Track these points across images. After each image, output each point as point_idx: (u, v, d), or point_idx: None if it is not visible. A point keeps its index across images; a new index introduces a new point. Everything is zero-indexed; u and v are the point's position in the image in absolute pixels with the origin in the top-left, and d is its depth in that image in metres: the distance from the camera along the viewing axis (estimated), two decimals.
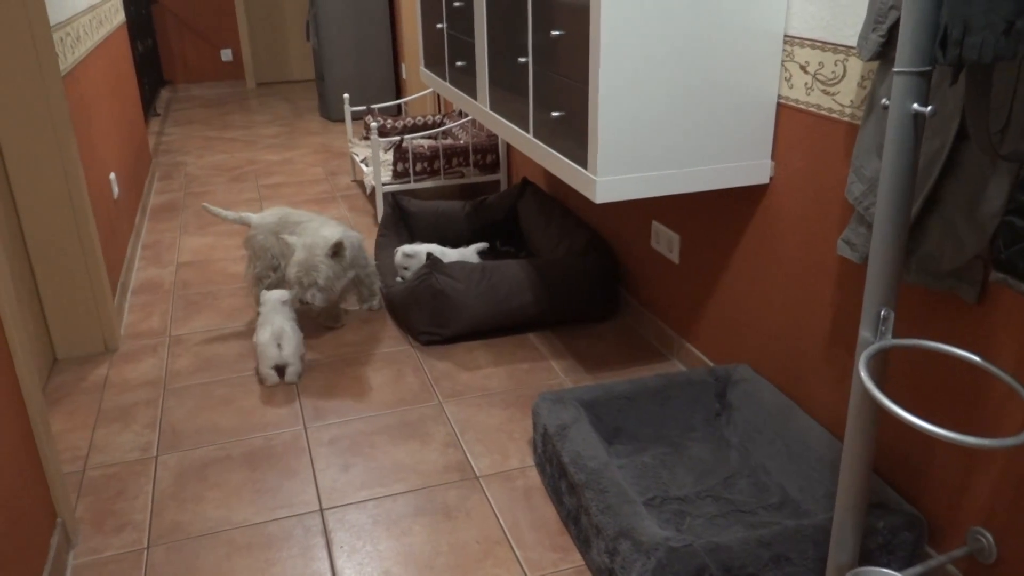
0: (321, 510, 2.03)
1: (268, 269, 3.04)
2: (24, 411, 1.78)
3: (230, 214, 3.14)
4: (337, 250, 2.73)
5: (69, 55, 2.91)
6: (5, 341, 1.73)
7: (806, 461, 1.91)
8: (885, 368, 1.35)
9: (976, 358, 1.30)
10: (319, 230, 2.83)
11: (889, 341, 1.28)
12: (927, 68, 1.13)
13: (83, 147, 2.90)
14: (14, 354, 1.76)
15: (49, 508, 1.85)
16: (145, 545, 1.92)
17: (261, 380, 2.61)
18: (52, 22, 2.67)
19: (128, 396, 2.56)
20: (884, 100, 1.20)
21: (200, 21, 7.50)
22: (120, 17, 4.48)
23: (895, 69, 1.15)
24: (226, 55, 7.68)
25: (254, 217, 3.09)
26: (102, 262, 2.79)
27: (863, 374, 1.21)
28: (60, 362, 2.79)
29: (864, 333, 1.30)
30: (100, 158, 3.23)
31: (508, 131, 2.52)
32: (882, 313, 1.27)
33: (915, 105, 1.15)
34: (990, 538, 1.56)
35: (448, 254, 3.10)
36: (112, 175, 3.43)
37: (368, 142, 4.66)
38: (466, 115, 4.40)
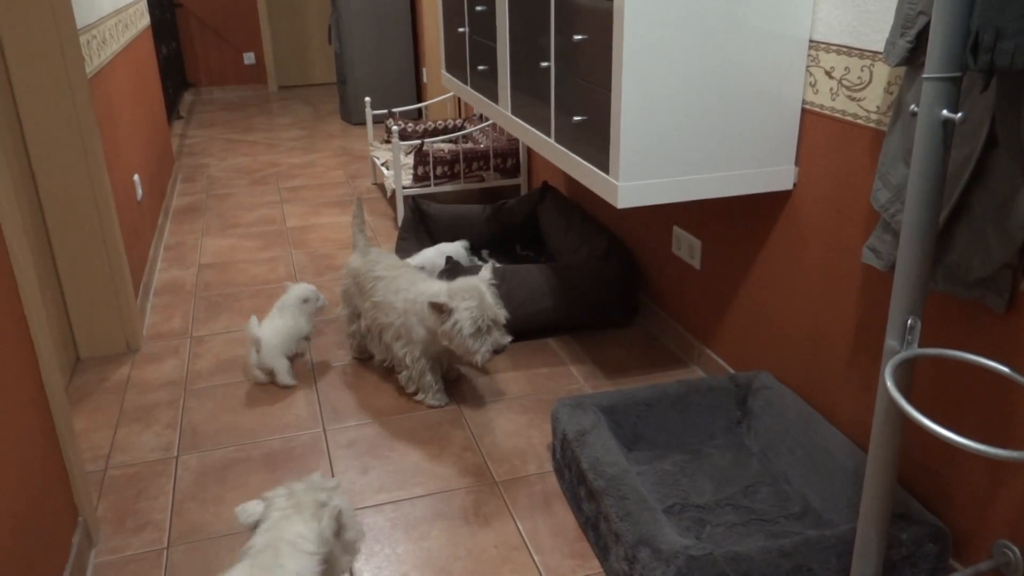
0: None
1: (353, 315, 2.67)
2: (48, 410, 1.80)
3: (359, 236, 2.68)
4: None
5: (95, 58, 2.94)
6: (30, 340, 1.75)
7: (828, 470, 1.89)
8: (911, 378, 1.34)
9: (1004, 368, 1.27)
10: (419, 285, 2.43)
11: (916, 351, 1.26)
12: (957, 74, 1.12)
13: (108, 149, 2.93)
14: (39, 353, 1.77)
15: (71, 507, 1.86)
16: (165, 545, 1.93)
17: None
18: (79, 25, 2.70)
19: (149, 396, 2.58)
20: (913, 106, 1.19)
21: (223, 25, 7.56)
22: (145, 20, 4.53)
23: (925, 75, 1.14)
24: (249, 58, 7.74)
25: (353, 258, 2.67)
26: (125, 263, 2.81)
27: (889, 384, 1.20)
28: (83, 361, 2.81)
29: (890, 342, 1.28)
30: (124, 160, 3.26)
31: (529, 135, 2.51)
32: (909, 322, 1.26)
33: (945, 111, 1.14)
34: (1017, 552, 1.53)
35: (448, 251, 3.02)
36: (136, 177, 3.46)
37: (389, 145, 4.67)
38: (486, 119, 4.40)
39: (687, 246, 2.62)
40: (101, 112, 2.90)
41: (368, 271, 2.54)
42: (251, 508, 1.51)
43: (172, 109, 6.29)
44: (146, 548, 1.93)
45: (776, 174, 2.06)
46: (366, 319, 2.56)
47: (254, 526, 1.49)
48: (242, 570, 1.39)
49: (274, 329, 2.60)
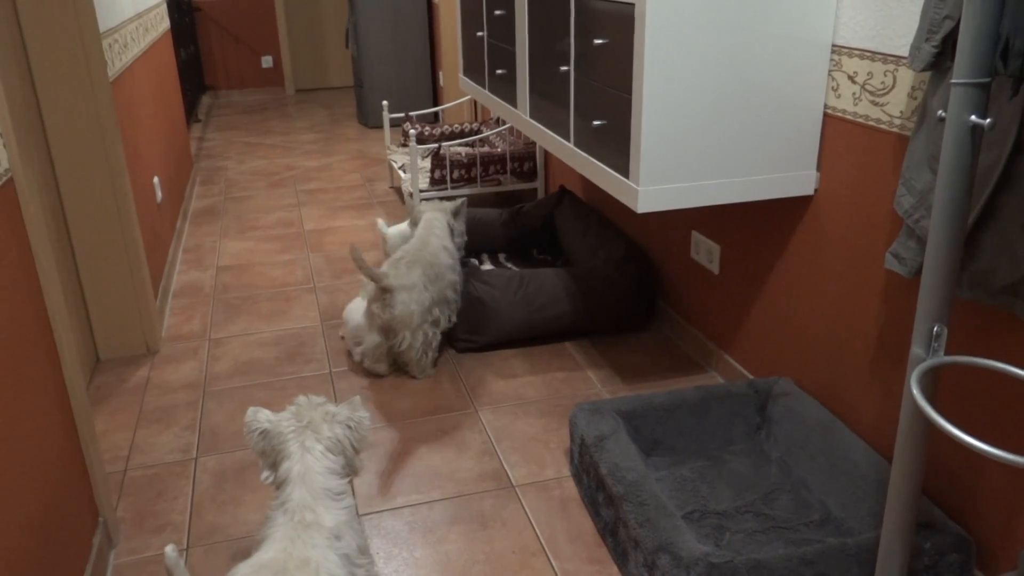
0: (357, 516, 2.03)
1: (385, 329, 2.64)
2: (69, 411, 1.81)
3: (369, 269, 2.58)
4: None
5: (117, 61, 2.96)
6: (53, 341, 1.76)
7: (849, 478, 1.87)
8: (937, 386, 1.32)
9: None
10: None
11: (942, 358, 1.24)
12: (986, 80, 1.11)
13: (128, 152, 2.95)
14: (61, 355, 1.79)
15: (92, 507, 1.87)
16: (184, 546, 1.94)
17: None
18: (101, 29, 2.72)
19: (169, 398, 2.59)
20: (941, 112, 1.18)
21: (241, 28, 7.61)
22: (165, 24, 4.56)
23: (953, 80, 1.12)
24: (266, 62, 7.78)
25: (389, 274, 2.59)
26: (145, 265, 2.83)
27: (916, 392, 1.18)
28: (103, 363, 2.83)
29: (916, 350, 1.27)
30: (144, 162, 3.29)
31: (548, 139, 2.51)
32: (935, 329, 1.24)
33: (973, 117, 1.12)
34: None
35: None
36: (156, 179, 3.48)
37: (406, 149, 4.68)
38: (503, 123, 4.41)
39: (706, 251, 2.61)
40: (122, 115, 2.93)
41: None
42: (261, 419, 1.59)
43: (191, 112, 6.33)
44: None
45: (797, 179, 2.05)
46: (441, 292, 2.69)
47: (257, 439, 1.59)
48: (284, 529, 1.44)
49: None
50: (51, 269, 1.76)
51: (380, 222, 2.92)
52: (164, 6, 4.63)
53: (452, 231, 2.88)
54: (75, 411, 1.83)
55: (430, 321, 2.63)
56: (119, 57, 3.02)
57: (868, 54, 1.83)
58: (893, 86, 1.76)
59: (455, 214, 2.94)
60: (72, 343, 1.84)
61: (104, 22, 2.81)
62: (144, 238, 2.99)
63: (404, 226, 3.28)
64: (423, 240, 2.77)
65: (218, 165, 5.43)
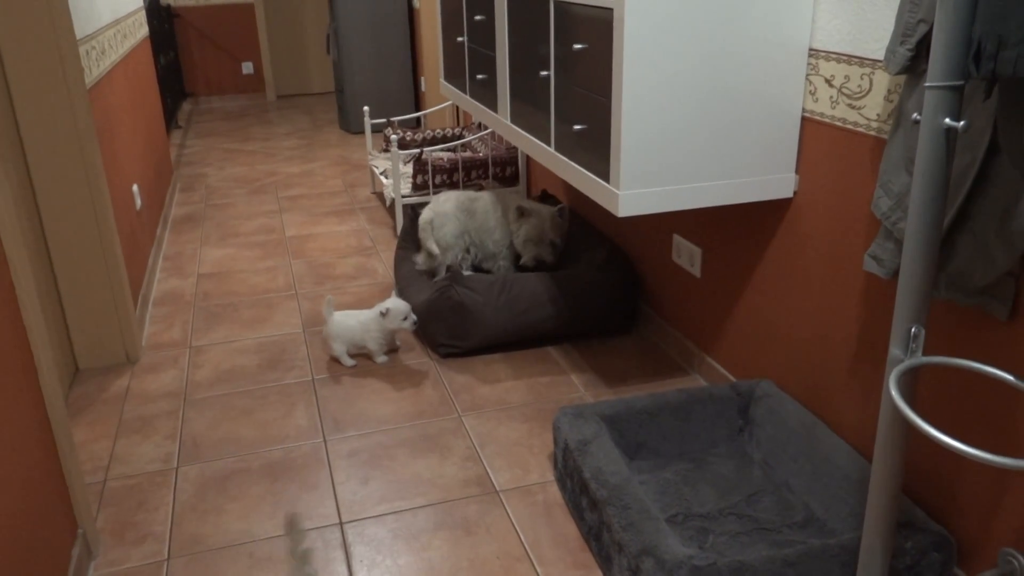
0: (340, 524, 2.02)
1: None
2: (47, 422, 1.79)
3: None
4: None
5: (94, 68, 2.94)
6: (29, 352, 1.74)
7: (831, 479, 1.88)
8: (915, 386, 1.33)
9: (1009, 376, 1.27)
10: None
11: (920, 359, 1.25)
12: (960, 82, 1.12)
13: (107, 159, 2.93)
14: (38, 364, 1.77)
15: (70, 519, 1.85)
16: (165, 557, 1.92)
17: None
18: (78, 36, 2.70)
19: (149, 407, 2.57)
20: (915, 115, 1.19)
21: (221, 35, 7.57)
22: (143, 31, 4.54)
23: (927, 83, 1.14)
24: (247, 68, 7.75)
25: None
26: (124, 273, 2.80)
27: (894, 392, 1.19)
28: (82, 372, 2.80)
29: (894, 351, 1.28)
30: (123, 170, 3.26)
31: (529, 144, 2.51)
32: (912, 330, 1.25)
33: (947, 120, 1.13)
34: (1022, 560, 1.53)
35: None
36: (135, 187, 3.45)
37: (387, 154, 4.67)
38: (485, 128, 4.41)
39: (687, 254, 2.62)
40: (100, 122, 2.90)
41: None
42: None
43: (170, 119, 6.29)
44: (146, 560, 1.92)
45: (776, 182, 2.06)
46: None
47: None
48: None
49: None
50: (27, 278, 1.74)
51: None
52: (143, 12, 4.60)
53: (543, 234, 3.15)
54: (53, 422, 1.81)
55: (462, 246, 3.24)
56: (97, 64, 3.00)
57: (844, 58, 1.84)
58: (870, 89, 1.78)
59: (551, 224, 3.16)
60: (49, 353, 1.81)
61: (81, 29, 2.79)
62: (123, 246, 2.96)
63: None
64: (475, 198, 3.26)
65: (198, 172, 5.40)
